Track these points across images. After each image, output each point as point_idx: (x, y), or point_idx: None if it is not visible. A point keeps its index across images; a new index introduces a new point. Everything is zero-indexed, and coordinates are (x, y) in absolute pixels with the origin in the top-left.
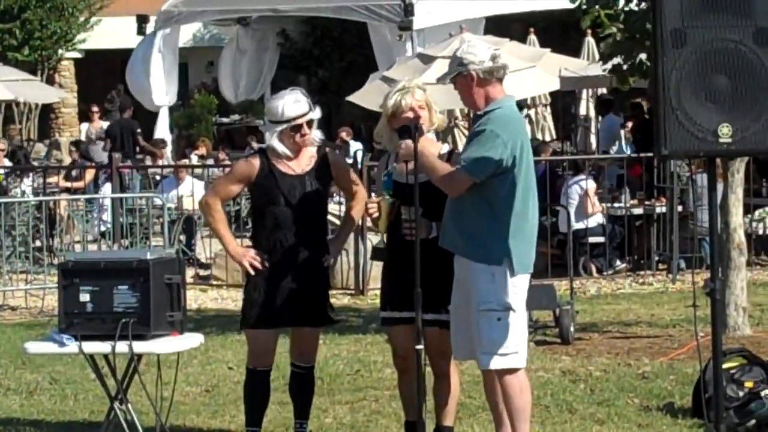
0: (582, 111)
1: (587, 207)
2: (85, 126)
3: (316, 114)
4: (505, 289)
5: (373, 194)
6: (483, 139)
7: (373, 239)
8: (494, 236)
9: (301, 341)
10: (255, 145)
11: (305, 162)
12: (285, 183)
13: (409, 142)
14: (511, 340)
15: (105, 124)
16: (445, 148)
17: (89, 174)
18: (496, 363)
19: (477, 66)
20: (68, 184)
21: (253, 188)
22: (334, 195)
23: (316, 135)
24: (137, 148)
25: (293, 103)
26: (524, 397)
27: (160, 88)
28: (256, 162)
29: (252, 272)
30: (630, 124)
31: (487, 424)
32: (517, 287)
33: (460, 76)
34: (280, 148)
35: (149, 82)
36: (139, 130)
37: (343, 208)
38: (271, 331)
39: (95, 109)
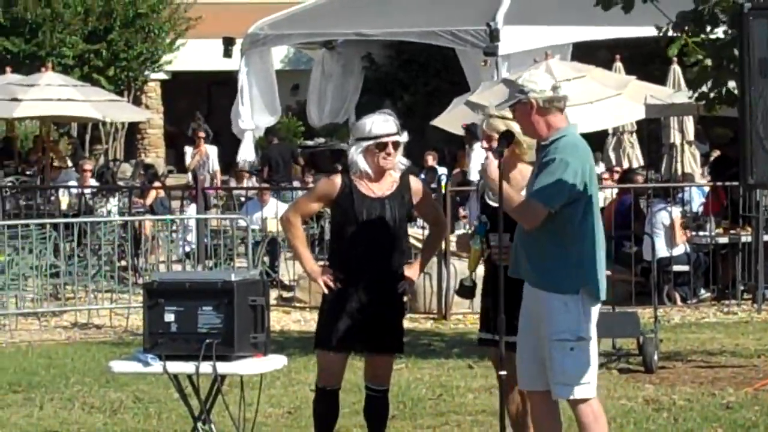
0: (670, 139)
1: (673, 235)
2: (189, 149)
3: (404, 138)
4: (578, 319)
5: (459, 221)
6: (553, 168)
7: (457, 264)
8: (568, 266)
9: (374, 366)
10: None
11: (387, 186)
12: (364, 205)
13: (492, 159)
14: (583, 370)
15: (211, 150)
16: None
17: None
18: (570, 393)
19: (537, 94)
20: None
21: (333, 207)
22: (417, 220)
23: (401, 161)
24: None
25: (382, 121)
26: (599, 425)
27: (247, 113)
28: (338, 181)
29: (326, 291)
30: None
31: None
32: (590, 316)
33: (519, 103)
34: (362, 164)
35: (238, 107)
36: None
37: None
38: (342, 354)
39: (202, 134)
